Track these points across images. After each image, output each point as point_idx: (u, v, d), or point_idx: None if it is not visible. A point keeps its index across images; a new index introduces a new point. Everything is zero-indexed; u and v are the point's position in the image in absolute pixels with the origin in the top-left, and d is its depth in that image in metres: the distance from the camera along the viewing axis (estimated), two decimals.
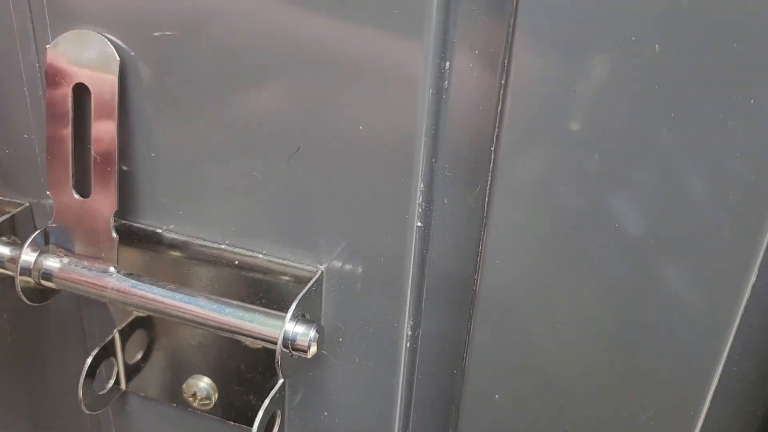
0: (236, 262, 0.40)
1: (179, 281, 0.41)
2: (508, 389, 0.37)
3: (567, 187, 0.32)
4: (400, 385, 0.40)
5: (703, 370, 0.34)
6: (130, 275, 0.40)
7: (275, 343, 0.36)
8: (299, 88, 0.34)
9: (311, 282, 0.37)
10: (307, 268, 0.38)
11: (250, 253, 0.39)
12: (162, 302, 0.38)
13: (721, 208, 0.30)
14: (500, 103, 0.32)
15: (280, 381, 0.41)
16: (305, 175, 0.36)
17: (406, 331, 0.38)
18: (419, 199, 0.35)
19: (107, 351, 0.45)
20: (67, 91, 0.37)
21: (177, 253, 0.42)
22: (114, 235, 0.39)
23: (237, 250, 0.39)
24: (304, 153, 0.36)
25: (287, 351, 0.36)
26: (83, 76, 0.37)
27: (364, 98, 0.33)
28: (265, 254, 0.39)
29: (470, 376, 0.38)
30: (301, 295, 0.36)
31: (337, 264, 0.38)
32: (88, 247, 0.40)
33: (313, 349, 0.36)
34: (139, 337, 0.46)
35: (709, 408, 0.35)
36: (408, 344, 0.39)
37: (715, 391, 0.35)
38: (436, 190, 0.35)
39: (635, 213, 0.32)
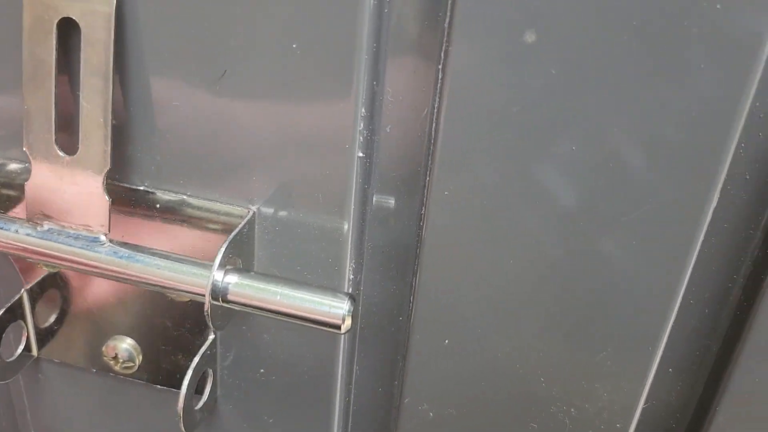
0: (158, 206, 0.35)
1: None
2: (457, 335, 0.35)
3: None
4: (342, 337, 0.37)
5: (660, 304, 0.32)
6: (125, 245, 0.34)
7: (203, 295, 0.32)
8: (223, 3, 0.30)
9: (242, 224, 0.34)
10: (238, 209, 0.34)
11: (174, 196, 0.35)
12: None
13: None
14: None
15: (211, 337, 0.38)
16: (233, 103, 0.32)
17: (348, 275, 0.35)
18: (360, 126, 0.31)
19: (14, 313, 0.40)
20: (50, 27, 0.31)
21: None
22: (106, 198, 0.34)
23: (158, 192, 0.35)
24: (230, 77, 0.32)
25: (217, 303, 0.32)
26: (71, 8, 0.31)
27: (297, 12, 0.30)
28: (189, 195, 0.35)
29: (417, 323, 0.35)
30: (230, 237, 0.33)
31: (271, 204, 0.34)
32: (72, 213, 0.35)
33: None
34: (51, 296, 0.41)
35: (666, 343, 0.34)
36: (350, 290, 0.36)
37: (672, 326, 0.34)
38: (377, 117, 0.32)
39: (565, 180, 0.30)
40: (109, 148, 0.33)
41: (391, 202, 0.35)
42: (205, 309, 0.32)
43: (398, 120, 0.32)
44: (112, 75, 0.31)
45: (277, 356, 0.38)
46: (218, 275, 0.32)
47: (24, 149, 0.34)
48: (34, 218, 0.35)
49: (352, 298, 0.32)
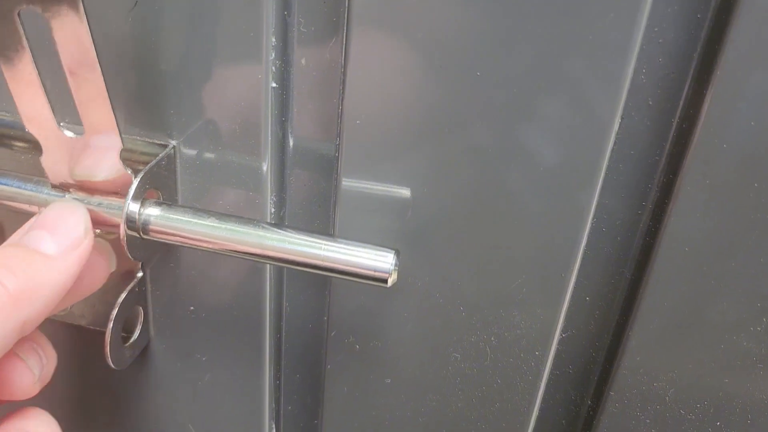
0: None
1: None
2: None
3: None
4: (268, 272, 0.38)
5: (570, 231, 0.33)
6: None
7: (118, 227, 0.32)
8: None
9: (159, 156, 0.34)
10: (157, 142, 0.35)
11: None
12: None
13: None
14: None
15: (139, 274, 0.38)
16: (145, 35, 0.32)
17: (269, 208, 0.36)
18: (272, 55, 0.32)
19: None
20: (12, 18, 0.27)
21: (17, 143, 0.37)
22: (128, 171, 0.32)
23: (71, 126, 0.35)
24: (142, 8, 0.32)
25: (134, 234, 0.33)
26: None
27: None
28: None
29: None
30: (146, 169, 0.33)
31: (191, 139, 0.35)
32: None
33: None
34: None
35: (581, 272, 0.35)
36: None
37: (586, 254, 0.35)
38: (291, 48, 0.32)
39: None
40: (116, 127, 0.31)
41: (311, 134, 0.35)
42: (122, 238, 0.32)
43: (312, 52, 0.33)
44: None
45: (206, 293, 0.39)
46: (133, 206, 0.32)
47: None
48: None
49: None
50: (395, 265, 0.31)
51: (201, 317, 0.40)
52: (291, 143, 0.35)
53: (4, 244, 0.31)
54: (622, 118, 0.31)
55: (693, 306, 0.34)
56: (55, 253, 0.30)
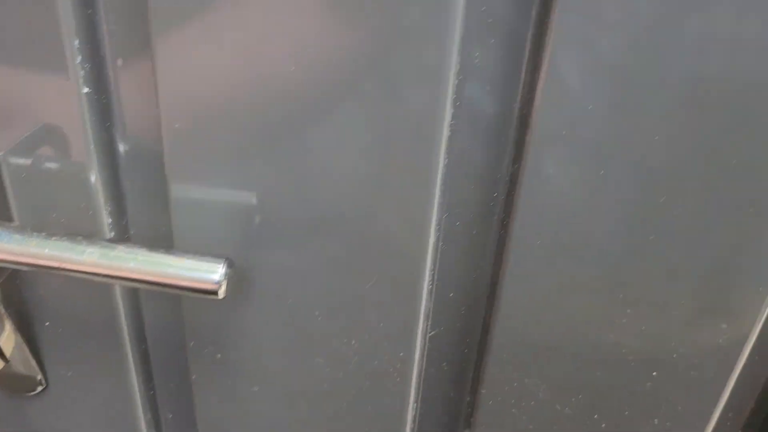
0: None
1: None
2: None
3: None
4: (117, 288, 0.36)
5: (417, 227, 0.31)
6: None
7: None
8: None
9: None
10: None
11: None
12: None
13: None
14: None
15: None
16: None
17: (105, 219, 0.33)
18: (78, 58, 0.29)
19: None
20: None
21: None
22: None
23: None
24: None
25: None
26: None
27: None
28: None
29: None
30: None
31: (18, 151, 0.32)
32: None
33: None
34: None
35: (442, 268, 0.33)
36: (113, 234, 0.34)
37: (444, 250, 0.33)
38: (103, 49, 0.30)
39: None
40: None
41: (141, 139, 0.33)
42: None
43: (129, 51, 0.30)
44: None
45: (57, 308, 0.37)
46: None
47: None
48: None
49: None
50: (225, 275, 0.30)
51: (58, 332, 0.38)
52: (121, 149, 0.33)
53: None
54: (456, 106, 0.29)
55: (552, 300, 0.32)
56: None
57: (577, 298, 0.32)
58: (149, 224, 0.35)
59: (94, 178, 0.32)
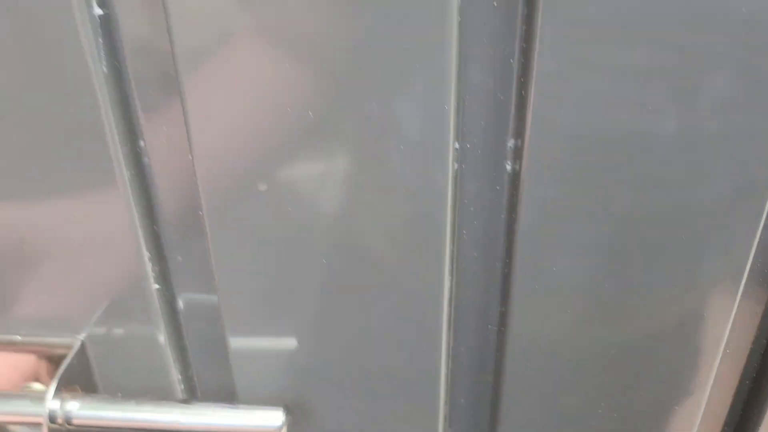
0: None
1: None
2: None
3: None
4: None
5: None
6: None
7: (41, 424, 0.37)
8: None
9: (70, 356, 0.38)
10: (65, 341, 0.39)
11: (5, 337, 0.39)
12: None
13: None
14: None
15: None
16: None
17: (176, 376, 0.40)
18: (146, 255, 0.36)
19: None
20: None
21: None
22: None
23: None
24: None
25: (57, 426, 0.37)
26: None
27: None
28: (24, 335, 0.39)
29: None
30: (59, 374, 0.37)
31: (95, 330, 0.39)
32: None
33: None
34: None
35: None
36: (183, 394, 0.41)
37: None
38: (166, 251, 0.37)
39: None
40: None
41: (197, 293, 0.40)
42: None
43: (186, 248, 0.37)
44: None
45: None
46: (53, 404, 0.37)
47: None
48: None
49: None
50: (284, 422, 0.37)
51: None
52: (181, 306, 0.39)
53: None
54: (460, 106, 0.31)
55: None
56: None
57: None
58: (213, 376, 0.42)
59: (162, 338, 0.39)
